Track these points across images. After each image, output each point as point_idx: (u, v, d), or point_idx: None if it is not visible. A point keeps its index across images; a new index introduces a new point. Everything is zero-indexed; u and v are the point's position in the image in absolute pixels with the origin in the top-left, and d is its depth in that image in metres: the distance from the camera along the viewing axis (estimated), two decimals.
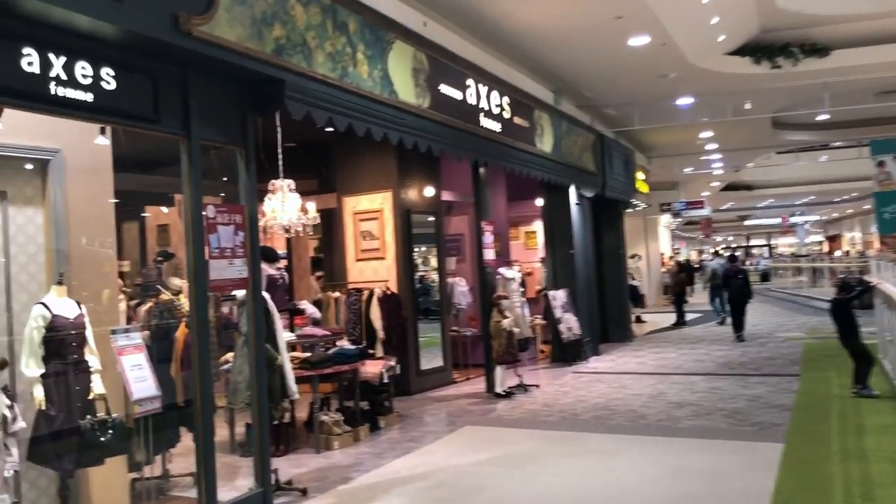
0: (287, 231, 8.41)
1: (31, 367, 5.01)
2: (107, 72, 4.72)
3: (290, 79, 5.90)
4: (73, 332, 5.20)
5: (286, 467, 7.11)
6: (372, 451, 7.63)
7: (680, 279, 19.82)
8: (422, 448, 7.60)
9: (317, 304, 10.88)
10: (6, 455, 4.64)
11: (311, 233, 8.93)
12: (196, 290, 5.35)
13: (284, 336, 7.65)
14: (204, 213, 5.47)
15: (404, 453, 7.42)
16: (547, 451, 7.21)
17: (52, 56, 4.39)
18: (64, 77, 4.45)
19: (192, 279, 5.35)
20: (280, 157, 8.20)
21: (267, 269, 8.53)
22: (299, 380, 8.02)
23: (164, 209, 11.12)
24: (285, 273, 8.93)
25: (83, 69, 4.57)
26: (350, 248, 11.26)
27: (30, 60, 4.27)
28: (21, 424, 4.79)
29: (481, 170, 10.63)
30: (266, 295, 6.32)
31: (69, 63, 4.48)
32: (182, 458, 6.70)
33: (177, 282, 10.04)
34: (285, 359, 6.32)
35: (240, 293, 6.09)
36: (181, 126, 5.29)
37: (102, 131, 5.17)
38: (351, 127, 6.77)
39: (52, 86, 4.39)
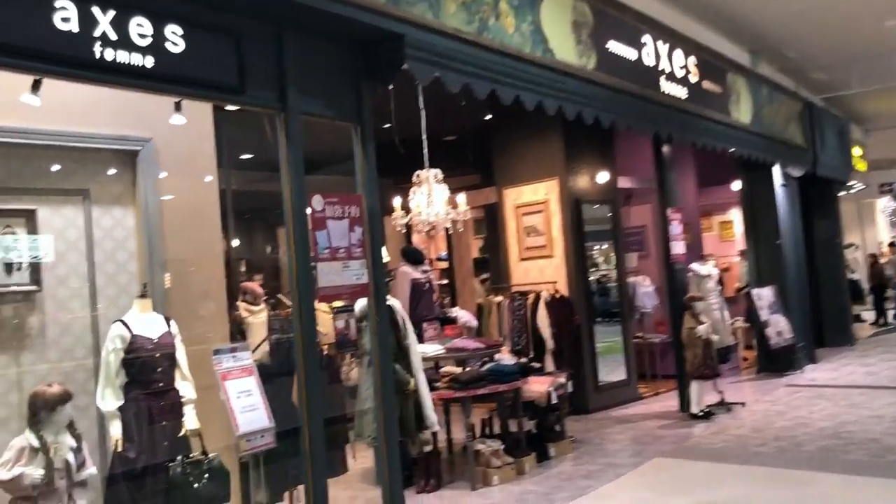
0: (434, 228, 7.28)
1: (106, 398, 4.16)
2: (172, 30, 3.75)
3: (413, 34, 4.71)
4: (159, 354, 4.29)
5: None
6: (538, 488, 6.29)
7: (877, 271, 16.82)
8: (599, 488, 6.16)
9: (478, 310, 9.71)
10: None
11: (461, 229, 7.78)
12: (300, 299, 4.28)
13: (429, 351, 6.51)
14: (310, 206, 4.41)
15: (577, 494, 6.02)
16: (765, 498, 5.55)
17: (95, 10, 3.46)
18: (113, 37, 3.51)
19: (294, 287, 4.29)
20: (425, 141, 7.12)
21: (411, 273, 7.47)
22: (450, 402, 6.89)
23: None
24: (432, 276, 7.83)
25: (139, 27, 3.62)
26: (513, 246, 9.97)
27: (65, 16, 3.35)
28: (91, 471, 3.92)
29: (664, 149, 8.99)
30: (395, 303, 5.18)
31: (120, 19, 3.53)
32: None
33: None
34: (421, 382, 5.14)
35: (359, 304, 4.98)
36: (275, 97, 4.26)
37: (178, 108, 4.23)
38: (495, 95, 5.50)
39: (97, 48, 3.45)
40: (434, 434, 7.27)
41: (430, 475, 6.53)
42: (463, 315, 7.82)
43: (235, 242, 11.56)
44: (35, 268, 4.30)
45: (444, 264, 12.62)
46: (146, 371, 4.22)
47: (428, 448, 6.31)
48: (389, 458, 4.70)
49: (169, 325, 4.42)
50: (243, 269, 10.29)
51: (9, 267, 4.22)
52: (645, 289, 10.71)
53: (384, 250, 11.39)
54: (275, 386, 5.43)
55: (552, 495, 6.05)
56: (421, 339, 6.94)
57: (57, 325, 4.42)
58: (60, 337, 4.43)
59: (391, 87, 6.62)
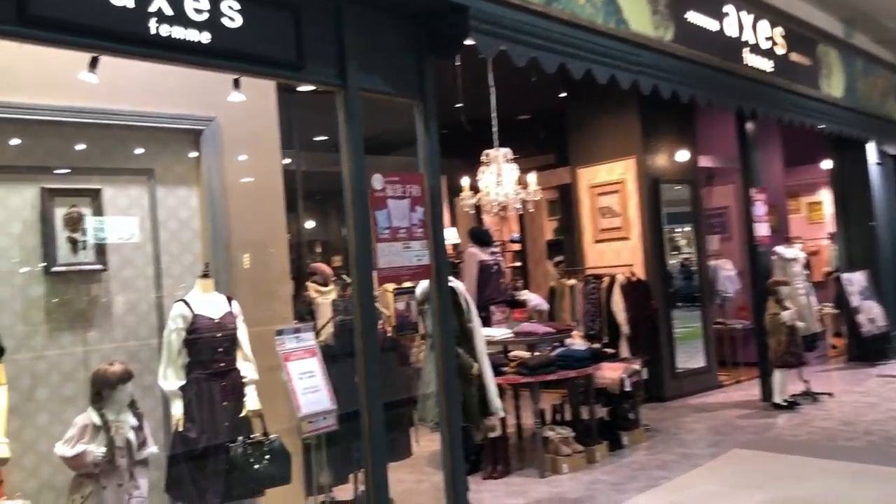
0: (503, 209, 7.10)
1: (168, 378, 4.15)
2: (229, 5, 3.68)
3: (477, 5, 4.53)
4: (220, 334, 4.27)
5: (500, 496, 5.80)
6: (609, 478, 6.08)
7: None
8: (674, 479, 5.90)
9: (550, 293, 9.49)
10: (132, 487, 3.79)
11: (531, 210, 7.55)
12: (359, 281, 4.18)
13: (496, 335, 6.36)
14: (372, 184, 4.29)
15: (650, 486, 5.78)
16: (855, 496, 5.20)
17: None
18: (169, 12, 3.45)
19: (354, 268, 4.19)
20: (494, 119, 6.94)
21: (479, 255, 7.32)
22: (519, 387, 6.73)
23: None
24: (501, 258, 7.64)
25: (195, 2, 3.55)
26: (587, 227, 9.69)
27: None
28: (152, 450, 3.92)
29: (748, 125, 8.55)
30: (458, 284, 5.03)
31: None
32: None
33: None
34: (485, 367, 4.99)
35: (420, 286, 4.85)
36: (335, 73, 4.15)
37: (236, 85, 4.17)
38: (565, 69, 5.27)
39: (153, 24, 3.40)
40: (502, 419, 7.13)
41: (497, 461, 6.40)
42: (533, 298, 7.62)
43: (310, 224, 11.65)
44: (100, 247, 4.33)
45: (517, 246, 12.39)
46: (207, 351, 4.20)
47: (494, 434, 6.17)
48: (452, 444, 4.58)
49: (231, 306, 4.39)
50: (319, 250, 10.33)
51: (74, 246, 4.26)
52: (726, 273, 10.26)
53: (454, 232, 11.29)
54: (340, 367, 5.38)
55: (624, 486, 5.83)
56: (488, 323, 6.79)
57: (122, 305, 4.45)
58: (125, 316, 4.46)
59: (458, 64, 6.48)
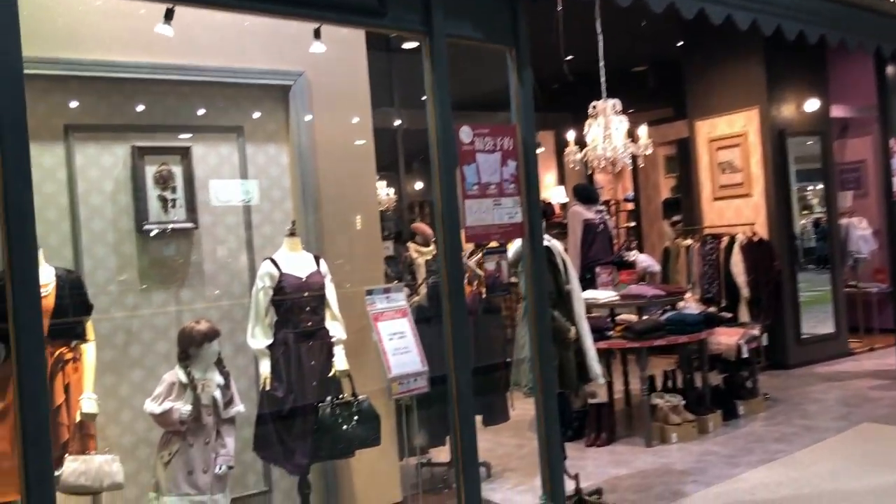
0: (612, 164, 6.72)
1: (256, 336, 4.12)
2: None
3: None
4: (307, 294, 4.19)
5: (603, 465, 5.55)
6: (721, 450, 5.70)
7: None
8: (794, 454, 5.47)
9: (664, 254, 9.02)
10: (219, 446, 3.79)
11: (641, 165, 7.13)
12: (445, 240, 3.98)
13: (601, 297, 6.06)
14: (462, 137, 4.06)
15: (767, 459, 5.38)
16: None
17: None
18: None
19: (440, 226, 3.99)
20: (602, 69, 6.56)
21: (583, 213, 6.99)
22: (627, 352, 6.41)
23: None
24: (607, 217, 7.25)
25: None
26: (705, 184, 9.11)
27: None
28: (238, 408, 3.91)
29: (889, 69, 7.71)
30: (555, 244, 4.76)
31: None
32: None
33: None
34: (584, 331, 4.71)
35: (513, 246, 4.60)
36: (419, 19, 3.91)
37: (317, 35, 4.02)
38: (674, 9, 4.81)
39: None
40: (608, 385, 6.83)
41: (601, 428, 6.14)
42: (643, 259, 7.22)
43: (413, 184, 11.55)
44: (191, 205, 4.32)
45: (631, 206, 11.89)
46: (295, 310, 4.14)
47: (594, 400, 5.90)
48: (546, 410, 4.34)
49: (318, 265, 4.30)
50: (420, 210, 10.23)
51: (164, 204, 4.26)
52: (861, 232, 9.45)
53: (562, 190, 10.90)
54: (436, 329, 5.24)
55: (737, 458, 5.46)
56: (593, 285, 6.48)
57: (214, 263, 4.44)
58: (217, 274, 4.45)
59: (560, 8, 6.13)
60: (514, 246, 4.55)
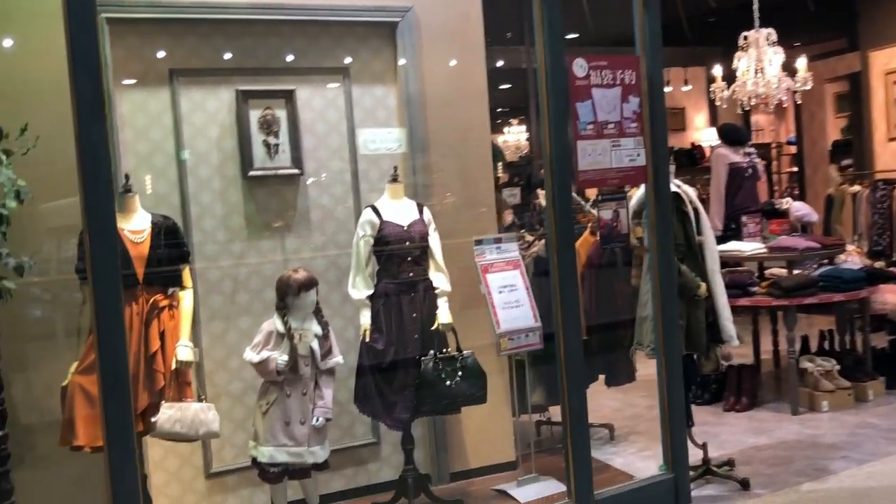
0: (765, 102, 6.06)
1: (356, 286, 3.97)
2: None
3: None
4: (409, 243, 3.98)
5: (740, 432, 5.09)
6: (880, 422, 5.07)
7: None
8: None
9: (827, 202, 8.16)
10: (317, 397, 3.69)
11: (798, 102, 6.36)
12: (554, 184, 3.63)
13: (745, 249, 5.50)
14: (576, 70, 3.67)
15: None
16: None
17: None
18: None
19: (548, 170, 3.65)
20: None
21: (729, 156, 6.36)
22: (776, 310, 5.82)
23: None
24: (757, 161, 6.53)
25: None
26: (879, 123, 8.12)
27: None
28: (337, 360, 3.79)
29: None
30: (688, 190, 4.28)
31: None
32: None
33: None
34: (717, 287, 4.23)
35: (637, 193, 4.17)
36: None
37: None
38: None
39: None
40: (755, 345, 6.28)
41: (741, 392, 5.64)
42: (798, 207, 6.48)
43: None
44: (296, 150, 4.20)
45: (793, 149, 10.86)
46: (396, 260, 3.94)
47: (727, 363, 5.40)
48: (669, 374, 3.95)
49: (421, 213, 4.08)
50: None
51: (269, 149, 4.16)
52: None
53: (714, 132, 10.07)
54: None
55: None
56: (739, 236, 5.89)
57: (319, 210, 4.31)
58: (323, 222, 4.32)
59: None
60: (638, 193, 4.12)
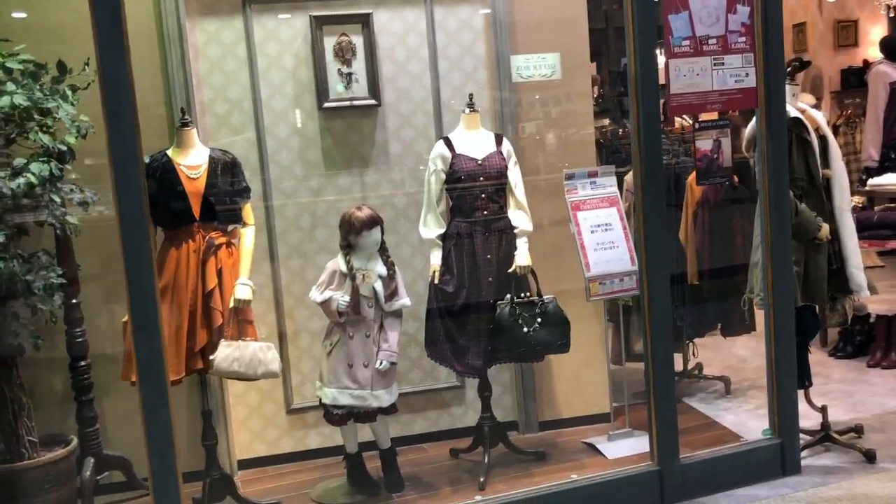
0: None
1: (427, 225, 3.73)
2: None
3: None
4: (483, 178, 3.67)
5: (881, 393, 4.49)
6: None
7: None
8: None
9: None
10: (382, 340, 3.53)
11: None
12: (640, 112, 3.18)
13: (891, 183, 4.75)
14: None
15: None
16: None
17: None
18: None
19: (633, 94, 3.20)
20: None
21: (890, 73, 5.46)
22: None
23: None
24: None
25: None
26: None
27: None
28: (403, 301, 3.60)
29: None
30: (815, 114, 3.67)
31: None
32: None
33: (806, 100, 7.58)
34: (846, 230, 3.63)
35: (751, 123, 3.60)
36: None
37: None
38: None
39: None
40: None
41: (890, 346, 4.94)
42: None
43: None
44: (373, 79, 3.96)
45: None
46: (469, 197, 3.64)
47: (860, 313, 4.72)
48: (777, 326, 3.45)
49: (500, 145, 3.74)
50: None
51: (346, 79, 3.95)
52: None
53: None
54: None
55: None
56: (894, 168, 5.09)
57: (399, 143, 4.08)
58: (403, 157, 4.08)
59: None
60: (750, 123, 3.57)
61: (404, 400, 4.14)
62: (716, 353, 5.27)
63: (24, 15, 3.58)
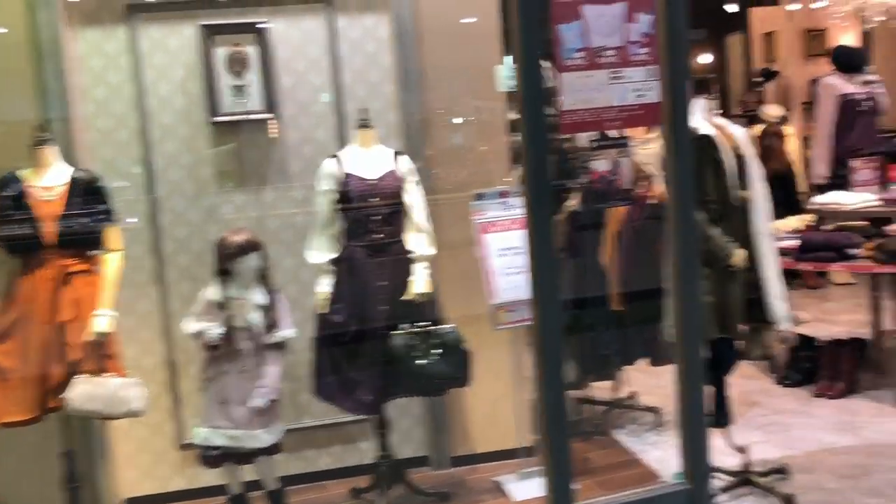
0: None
1: (314, 249, 3.47)
2: None
3: None
4: (378, 199, 3.41)
5: (819, 427, 4.21)
6: None
7: None
8: None
9: None
10: (261, 376, 3.27)
11: None
12: (527, 128, 2.91)
13: (847, 202, 4.50)
14: None
15: None
16: None
17: None
18: None
19: (522, 108, 2.92)
20: None
21: (838, 86, 5.23)
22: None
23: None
24: (878, 92, 5.26)
25: None
26: None
27: None
28: (284, 333, 3.33)
29: None
30: (737, 133, 3.40)
31: None
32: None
33: (774, 111, 7.32)
34: (764, 256, 3.35)
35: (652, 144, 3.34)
36: None
37: None
38: None
39: None
40: (875, 318, 5.20)
41: (838, 375, 4.66)
42: None
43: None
44: (269, 92, 3.71)
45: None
46: (362, 219, 3.39)
47: (783, 346, 4.45)
48: (686, 363, 3.16)
49: (396, 163, 3.48)
50: None
51: (238, 91, 3.70)
52: None
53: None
54: (583, 241, 4.22)
55: None
56: (845, 186, 4.81)
57: (299, 159, 3.82)
58: (304, 173, 3.83)
59: None
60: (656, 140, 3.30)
61: (306, 435, 3.91)
62: (659, 379, 4.99)
63: None
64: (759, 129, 6.53)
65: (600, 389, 4.64)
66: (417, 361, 3.37)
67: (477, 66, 3.86)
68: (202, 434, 3.24)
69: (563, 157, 5.06)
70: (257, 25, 3.71)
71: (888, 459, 3.72)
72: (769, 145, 6.54)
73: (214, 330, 3.19)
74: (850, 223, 4.68)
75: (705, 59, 10.61)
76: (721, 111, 3.79)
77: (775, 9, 8.21)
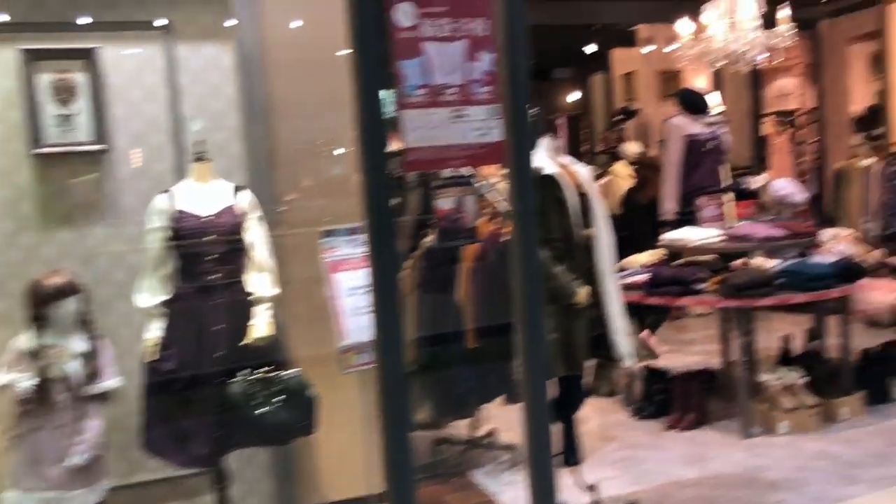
0: (737, 63, 5.12)
1: (142, 291, 3.23)
2: None
3: None
4: (212, 236, 3.22)
5: (669, 461, 4.25)
6: (845, 452, 4.15)
7: None
8: None
9: (835, 180, 7.12)
10: (76, 431, 2.99)
11: (776, 61, 5.34)
12: (367, 164, 2.81)
13: (692, 238, 4.63)
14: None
15: None
16: None
17: None
18: None
19: (359, 145, 2.82)
20: None
21: (684, 127, 5.44)
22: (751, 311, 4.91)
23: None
24: (720, 132, 5.53)
25: None
26: None
27: None
28: (108, 383, 3.08)
29: None
30: (580, 171, 3.42)
31: None
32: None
33: (633, 148, 7.53)
34: (608, 294, 3.38)
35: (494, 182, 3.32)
36: None
37: None
38: None
39: None
40: (724, 352, 5.34)
41: (687, 408, 4.76)
42: (781, 186, 5.50)
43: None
44: (99, 123, 3.46)
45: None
46: (193, 258, 3.19)
47: (630, 382, 4.55)
48: (531, 400, 3.12)
49: (237, 198, 3.30)
50: None
51: (63, 121, 3.44)
52: None
53: (718, 97, 9.03)
54: (439, 278, 4.15)
55: (861, 469, 3.93)
56: (693, 221, 4.98)
57: (133, 194, 3.59)
58: (138, 209, 3.59)
59: None
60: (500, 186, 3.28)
61: (139, 492, 3.61)
62: (509, 418, 4.97)
63: None
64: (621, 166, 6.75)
65: (459, 428, 4.57)
66: (257, 410, 3.18)
67: (331, 98, 3.74)
68: (12, 500, 2.92)
69: (427, 191, 5.00)
70: (87, 51, 3.46)
71: (732, 490, 3.80)
72: (646, 176, 6.79)
73: (25, 381, 2.89)
74: (700, 258, 4.85)
75: (572, 97, 10.91)
76: (587, 147, 3.84)
77: (634, 50, 8.54)
